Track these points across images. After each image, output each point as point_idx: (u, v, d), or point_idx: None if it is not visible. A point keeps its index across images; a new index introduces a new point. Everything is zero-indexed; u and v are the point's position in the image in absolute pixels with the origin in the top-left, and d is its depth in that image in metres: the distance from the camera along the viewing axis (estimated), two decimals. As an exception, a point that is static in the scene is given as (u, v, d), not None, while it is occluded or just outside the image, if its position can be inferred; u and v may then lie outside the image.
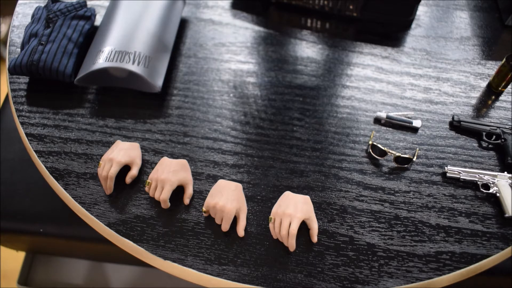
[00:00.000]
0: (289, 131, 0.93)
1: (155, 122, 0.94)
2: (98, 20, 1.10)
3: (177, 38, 1.08)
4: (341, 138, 0.92)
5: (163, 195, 0.80)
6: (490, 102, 0.98)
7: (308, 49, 1.06)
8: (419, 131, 0.93)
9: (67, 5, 1.01)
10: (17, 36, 1.08)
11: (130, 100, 0.97)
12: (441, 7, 1.14)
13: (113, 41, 0.94)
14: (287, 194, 0.80)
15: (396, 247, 0.79)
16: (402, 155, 0.86)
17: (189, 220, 0.82)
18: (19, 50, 1.04)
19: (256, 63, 1.03)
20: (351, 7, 1.09)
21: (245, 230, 0.81)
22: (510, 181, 0.85)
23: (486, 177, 0.86)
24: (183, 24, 1.10)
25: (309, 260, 0.78)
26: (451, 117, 0.95)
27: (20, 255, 1.58)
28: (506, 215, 0.81)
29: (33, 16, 1.03)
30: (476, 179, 0.86)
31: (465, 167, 0.88)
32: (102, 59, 0.92)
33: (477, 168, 0.88)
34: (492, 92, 0.99)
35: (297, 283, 0.75)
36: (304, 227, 0.81)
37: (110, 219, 0.82)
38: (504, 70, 0.94)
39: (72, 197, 0.84)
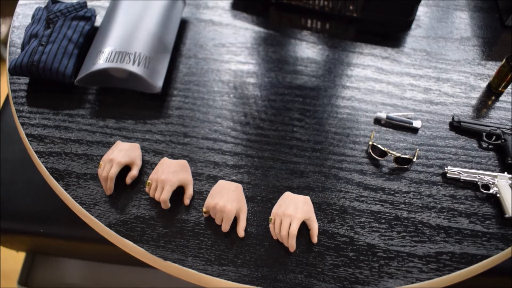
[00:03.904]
0: (289, 132, 0.93)
1: (155, 123, 0.94)
2: (98, 21, 1.10)
3: (177, 39, 1.08)
4: (341, 139, 0.92)
5: (163, 196, 0.80)
6: (490, 102, 0.98)
7: (308, 50, 1.06)
8: (419, 131, 0.93)
9: (67, 6, 1.01)
10: (17, 37, 1.08)
11: (130, 101, 0.97)
12: (441, 8, 1.14)
13: (113, 42, 0.94)
14: (287, 195, 0.80)
15: (396, 248, 0.79)
16: (402, 156, 0.86)
17: (189, 220, 0.82)
18: (19, 50, 1.05)
19: (256, 64, 1.03)
20: (351, 7, 1.09)
21: (245, 230, 0.81)
22: (510, 181, 0.85)
23: (486, 178, 0.86)
24: (183, 24, 1.11)
25: (309, 260, 0.78)
26: (451, 117, 0.95)
27: (20, 255, 1.58)
28: (506, 215, 0.81)
29: (33, 16, 1.03)
30: (476, 180, 0.86)
31: (465, 167, 0.88)
32: (102, 60, 0.92)
33: (477, 169, 0.88)
34: (492, 93, 0.99)
35: (297, 283, 0.75)
36: (304, 228, 0.81)
37: (110, 219, 0.82)
38: (504, 70, 0.94)
39: (73, 198, 0.84)
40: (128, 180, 0.85)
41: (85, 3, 1.04)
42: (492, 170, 0.88)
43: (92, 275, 1.30)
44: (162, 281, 1.29)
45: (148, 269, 1.30)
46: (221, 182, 0.82)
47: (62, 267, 1.32)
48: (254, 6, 1.14)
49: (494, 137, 0.91)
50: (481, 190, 0.85)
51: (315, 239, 0.79)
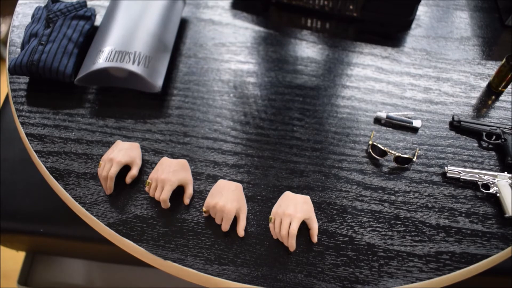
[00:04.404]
0: (289, 131, 0.93)
1: (155, 122, 0.94)
2: (98, 20, 1.10)
3: (177, 38, 1.08)
4: (341, 138, 0.92)
5: (163, 195, 0.80)
6: (490, 102, 0.98)
7: (308, 49, 1.06)
8: (419, 131, 0.93)
9: (67, 5, 1.01)
10: (17, 36, 1.08)
11: (130, 100, 0.97)
12: (441, 7, 1.14)
13: (113, 41, 0.94)
14: (287, 194, 0.80)
15: (396, 247, 0.79)
16: (402, 155, 0.86)
17: (189, 220, 0.82)
18: (19, 50, 1.04)
19: (256, 63, 1.03)
20: (351, 7, 1.09)
21: (245, 230, 0.81)
22: (510, 181, 0.85)
23: (486, 177, 0.86)
24: (183, 24, 1.11)
25: (309, 260, 0.78)
26: (451, 117, 0.95)
27: (20, 255, 1.58)
28: (506, 215, 0.81)
29: (33, 16, 1.03)
30: (476, 179, 0.86)
31: (465, 167, 0.88)
32: (102, 59, 0.92)
33: (477, 168, 0.88)
34: (492, 92, 0.99)
35: (297, 283, 0.75)
36: (304, 227, 0.81)
37: (110, 219, 0.82)
38: (504, 70, 0.94)
39: (72, 197, 0.84)
40: (128, 179, 0.85)
41: (85, 2, 1.04)
42: (492, 170, 0.88)
43: (92, 275, 1.30)
44: (162, 280, 1.29)
45: (148, 269, 1.30)
46: (221, 182, 0.82)
47: (62, 266, 1.32)
48: (254, 5, 1.14)
49: (494, 137, 0.91)
50: (481, 189, 0.85)
51: (315, 239, 0.79)
